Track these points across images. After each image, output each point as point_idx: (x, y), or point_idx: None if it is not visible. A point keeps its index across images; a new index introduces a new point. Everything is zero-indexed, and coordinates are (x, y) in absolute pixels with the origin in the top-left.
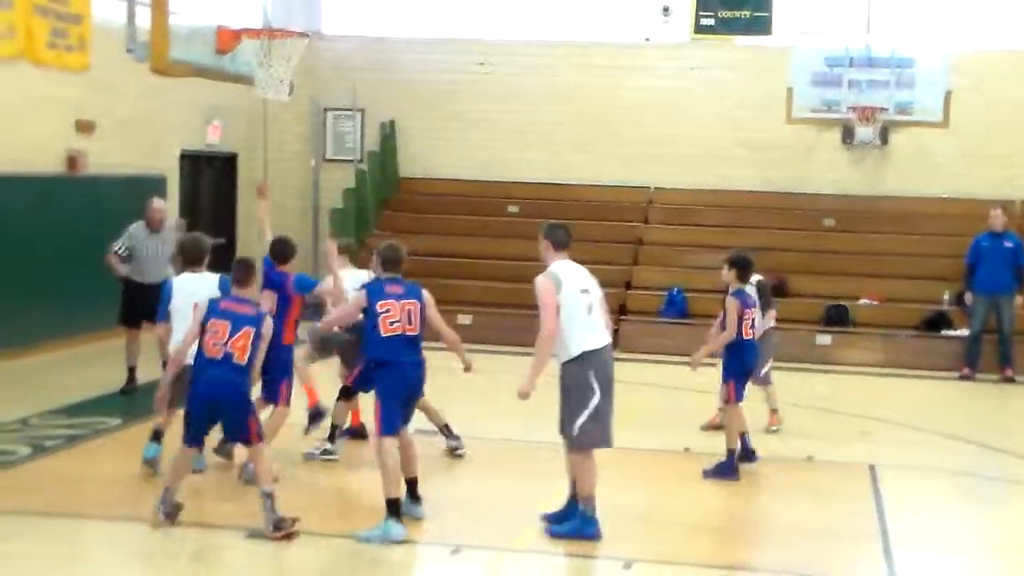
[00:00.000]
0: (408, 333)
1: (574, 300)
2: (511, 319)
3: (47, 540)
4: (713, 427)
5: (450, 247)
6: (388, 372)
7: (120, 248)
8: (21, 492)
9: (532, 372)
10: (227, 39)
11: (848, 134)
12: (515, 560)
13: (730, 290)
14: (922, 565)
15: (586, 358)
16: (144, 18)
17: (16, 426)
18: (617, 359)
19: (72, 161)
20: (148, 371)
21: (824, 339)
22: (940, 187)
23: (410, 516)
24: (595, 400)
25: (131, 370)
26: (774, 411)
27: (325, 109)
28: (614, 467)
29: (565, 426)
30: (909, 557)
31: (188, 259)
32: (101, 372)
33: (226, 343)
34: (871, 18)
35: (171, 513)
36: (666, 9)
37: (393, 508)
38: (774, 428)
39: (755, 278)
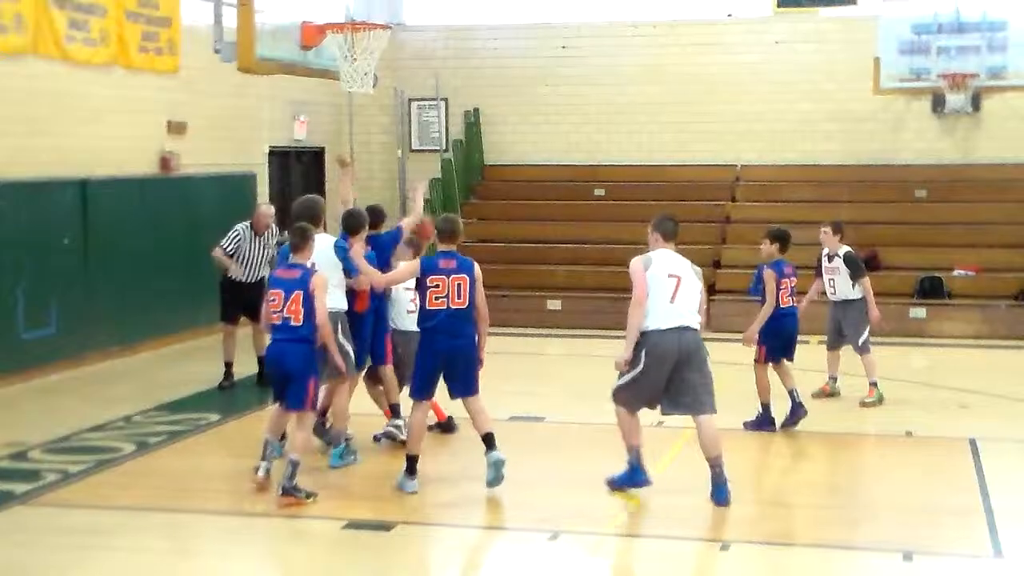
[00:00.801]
0: (455, 307)
1: (658, 283)
2: (600, 303)
3: (152, 535)
4: (825, 395)
5: (537, 233)
6: (424, 341)
7: (227, 245)
8: (127, 488)
9: (627, 341)
10: (311, 34)
11: (938, 102)
12: (612, 544)
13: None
14: None
15: (647, 336)
16: (230, 18)
17: (120, 423)
18: (707, 339)
19: (164, 162)
20: (243, 367)
21: (919, 312)
22: None
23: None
24: (636, 371)
25: (228, 366)
26: (873, 384)
27: (409, 100)
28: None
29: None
30: (1015, 534)
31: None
32: (199, 368)
33: (282, 309)
34: None
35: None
36: None
37: (409, 464)
38: (870, 400)
39: (843, 249)
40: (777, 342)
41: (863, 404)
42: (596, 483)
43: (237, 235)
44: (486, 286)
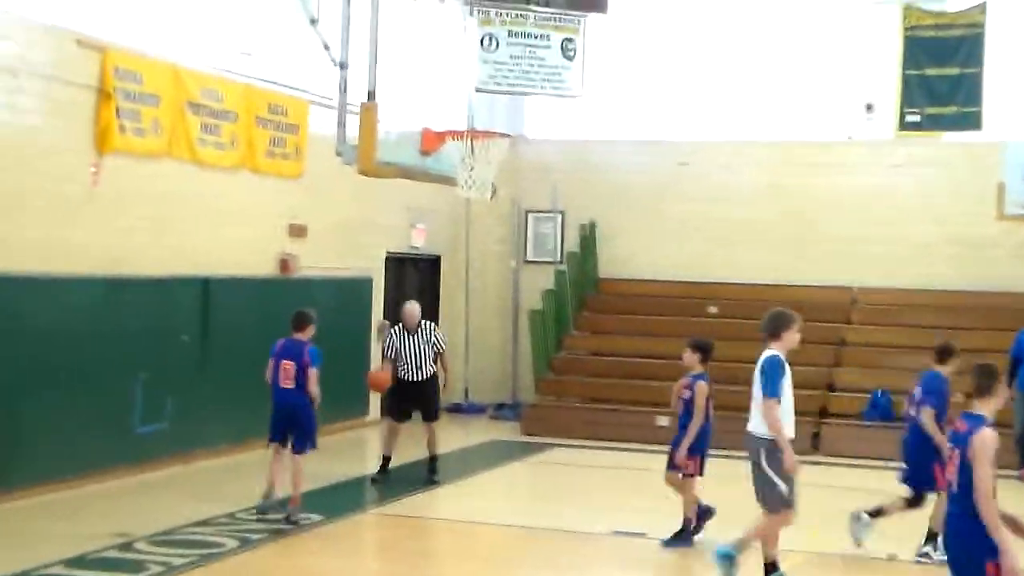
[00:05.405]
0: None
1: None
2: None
3: None
4: None
5: (649, 348)
6: None
7: (387, 351)
8: None
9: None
10: (431, 140)
11: None
12: None
13: (691, 374)
14: None
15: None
16: (353, 123)
17: (224, 520)
18: (818, 463)
19: (284, 263)
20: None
21: None
22: None
23: None
24: None
25: (386, 459)
26: None
27: (526, 211)
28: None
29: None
30: None
31: None
32: (307, 468)
33: None
34: None
35: None
36: (869, 106)
37: None
38: None
39: None
40: (706, 455)
41: None
42: None
43: (390, 339)
44: (598, 400)
